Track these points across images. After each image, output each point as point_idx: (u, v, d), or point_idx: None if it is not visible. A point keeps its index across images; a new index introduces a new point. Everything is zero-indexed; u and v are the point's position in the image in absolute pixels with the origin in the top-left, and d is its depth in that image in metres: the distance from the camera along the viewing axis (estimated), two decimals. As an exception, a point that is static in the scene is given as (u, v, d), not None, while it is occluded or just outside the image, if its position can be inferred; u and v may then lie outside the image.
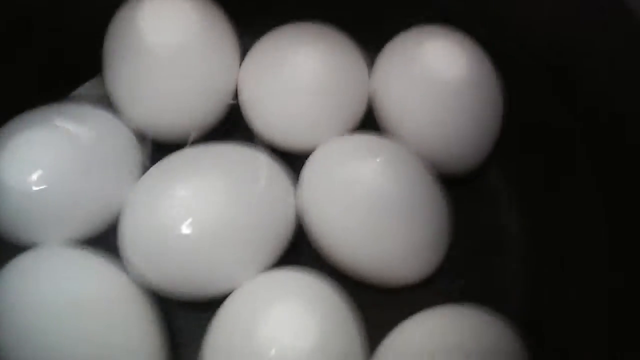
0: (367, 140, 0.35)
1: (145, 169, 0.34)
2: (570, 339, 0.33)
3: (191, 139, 0.36)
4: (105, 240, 0.33)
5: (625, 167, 0.33)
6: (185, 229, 0.31)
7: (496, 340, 0.30)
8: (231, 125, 0.37)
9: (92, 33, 0.36)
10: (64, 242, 0.32)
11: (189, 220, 0.31)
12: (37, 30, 0.36)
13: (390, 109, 0.37)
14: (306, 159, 0.35)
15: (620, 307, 0.32)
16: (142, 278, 0.31)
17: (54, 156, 0.32)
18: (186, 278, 0.31)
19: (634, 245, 0.32)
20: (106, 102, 0.36)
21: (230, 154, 0.34)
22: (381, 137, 0.36)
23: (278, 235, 0.33)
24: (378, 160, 0.34)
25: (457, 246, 0.35)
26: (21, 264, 0.31)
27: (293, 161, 0.35)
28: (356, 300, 0.31)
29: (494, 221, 0.38)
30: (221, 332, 0.30)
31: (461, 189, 0.37)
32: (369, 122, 0.38)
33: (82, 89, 0.38)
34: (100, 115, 0.35)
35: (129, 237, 0.32)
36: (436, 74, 0.36)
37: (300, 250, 0.34)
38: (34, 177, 0.31)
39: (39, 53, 0.36)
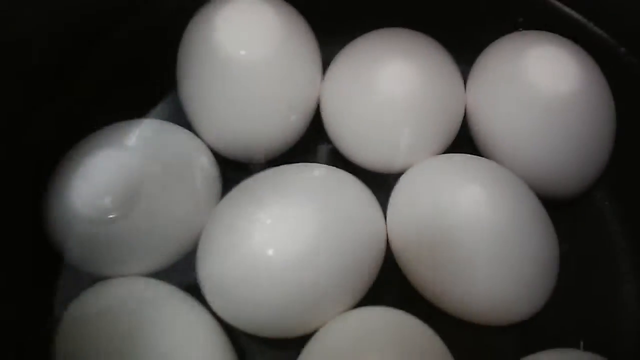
0: (464, 160, 0.32)
1: (224, 191, 0.32)
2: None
3: (271, 157, 0.33)
4: (183, 270, 0.30)
5: None
6: (270, 261, 0.28)
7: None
8: (313, 143, 0.35)
9: (166, 42, 0.34)
10: (141, 272, 0.30)
11: (274, 250, 0.28)
12: (113, 39, 0.34)
13: (488, 127, 0.33)
14: (395, 180, 0.32)
15: None
16: (221, 312, 0.29)
17: (128, 180, 0.29)
18: (269, 315, 0.29)
19: None
20: (181, 118, 0.34)
21: (315, 176, 0.31)
22: (479, 157, 0.33)
23: (368, 265, 0.30)
24: (476, 180, 0.30)
25: (564, 278, 0.31)
26: (93, 296, 0.29)
27: (381, 183, 0.33)
28: (451, 341, 0.28)
29: (601, 248, 0.34)
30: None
31: (565, 213, 0.33)
32: (463, 141, 0.34)
33: (157, 107, 0.35)
34: (176, 133, 0.33)
35: (207, 268, 0.30)
36: (540, 87, 0.32)
37: (390, 284, 0.31)
38: (108, 204, 0.29)
39: (111, 66, 0.34)
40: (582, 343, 0.31)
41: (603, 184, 0.34)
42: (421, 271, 0.30)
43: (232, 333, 0.30)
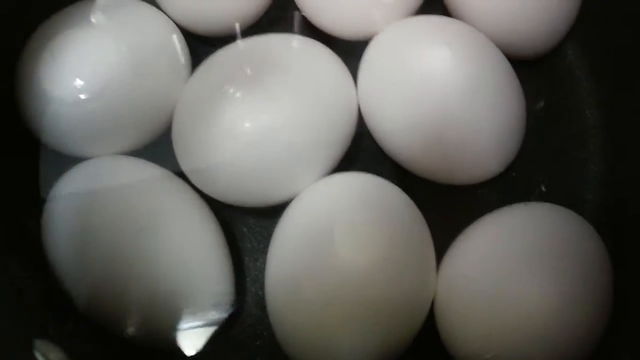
0: (432, 21, 0.32)
1: (192, 65, 0.32)
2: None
3: (238, 29, 0.33)
4: (161, 147, 0.31)
5: None
6: (244, 132, 0.29)
7: (574, 237, 0.28)
8: (282, 12, 0.34)
9: None
10: (119, 151, 0.31)
11: (248, 122, 0.29)
12: None
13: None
14: (365, 47, 0.32)
15: None
16: (200, 185, 0.30)
17: (98, 59, 0.29)
18: (245, 184, 0.30)
19: None
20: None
21: (285, 47, 0.31)
22: (447, 19, 0.32)
23: (342, 132, 0.31)
24: (445, 43, 0.30)
25: (532, 136, 0.32)
26: (77, 175, 0.30)
27: (351, 49, 0.32)
28: (422, 200, 0.30)
29: (571, 107, 0.34)
30: (284, 239, 0.29)
31: (535, 69, 0.34)
32: (434, 4, 0.34)
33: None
34: (142, 9, 0.32)
35: (181, 143, 0.30)
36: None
37: (361, 148, 0.32)
38: (80, 84, 0.29)
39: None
40: (544, 194, 0.32)
41: (572, 39, 0.34)
42: (392, 135, 0.31)
43: (213, 204, 0.31)
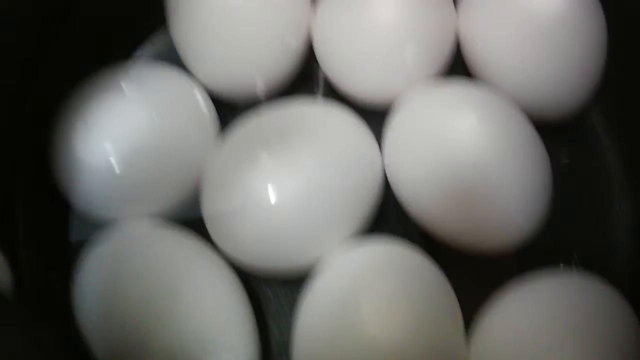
0: (457, 88, 0.32)
1: (221, 130, 0.33)
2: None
3: (266, 95, 0.34)
4: (188, 211, 0.31)
5: None
6: (271, 198, 0.29)
7: (605, 308, 0.28)
8: (307, 77, 0.35)
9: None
10: (145, 216, 0.31)
11: (275, 188, 0.29)
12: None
13: (481, 50, 0.34)
14: (390, 111, 0.33)
15: None
16: (227, 251, 0.30)
17: (128, 125, 0.30)
18: (271, 250, 0.30)
19: None
20: (175, 56, 0.34)
21: (311, 112, 0.32)
22: (471, 83, 0.33)
23: (366, 198, 0.31)
24: (470, 108, 0.31)
25: (558, 202, 0.32)
26: (104, 241, 0.30)
27: (376, 113, 0.33)
28: (447, 267, 0.30)
29: (597, 172, 0.34)
30: (312, 309, 0.29)
31: (560, 134, 0.34)
32: (457, 66, 0.34)
33: (148, 45, 0.35)
34: (172, 77, 0.33)
35: (210, 208, 0.31)
36: (530, 7, 0.32)
37: (387, 213, 0.33)
38: (112, 150, 0.29)
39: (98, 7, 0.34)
40: (572, 266, 0.32)
41: (596, 104, 0.34)
42: (418, 199, 0.31)
43: (237, 270, 0.31)
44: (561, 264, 0.32)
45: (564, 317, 0.27)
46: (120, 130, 0.30)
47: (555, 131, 0.33)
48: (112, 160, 0.29)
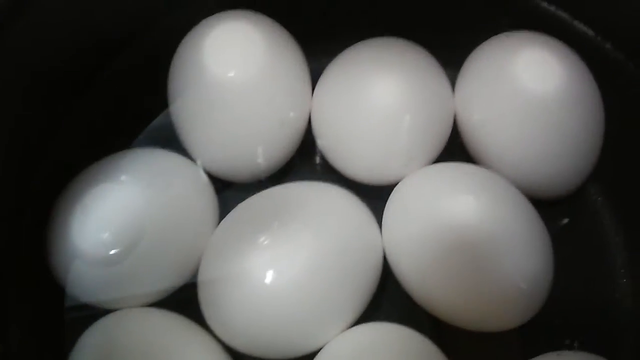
0: (454, 169, 0.33)
1: (220, 211, 0.33)
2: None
3: (264, 172, 0.34)
4: (185, 297, 0.31)
5: None
6: (269, 283, 0.29)
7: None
8: (307, 158, 0.35)
9: (156, 66, 0.34)
10: (144, 303, 0.31)
11: (273, 272, 0.29)
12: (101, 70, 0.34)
13: (478, 131, 0.34)
14: (389, 191, 0.33)
15: None
16: (223, 337, 0.30)
17: (127, 214, 0.30)
18: (269, 336, 0.29)
19: None
20: (175, 140, 0.34)
21: (309, 195, 0.32)
22: (470, 164, 0.33)
23: (367, 279, 0.31)
24: (468, 191, 0.31)
25: (559, 280, 0.31)
26: (102, 328, 0.30)
27: (375, 194, 0.33)
28: (450, 346, 0.29)
29: (597, 249, 0.34)
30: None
31: (559, 211, 0.34)
32: (455, 147, 0.35)
33: (149, 131, 0.36)
34: (171, 160, 0.33)
35: (208, 294, 0.30)
36: (528, 88, 0.32)
37: (387, 293, 0.32)
38: (108, 239, 0.29)
39: (104, 95, 0.34)
40: (576, 344, 0.31)
41: (596, 180, 0.34)
42: (418, 281, 0.31)
43: (236, 356, 0.30)
44: (564, 342, 0.31)
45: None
46: (117, 218, 0.30)
47: (554, 206, 0.33)
48: (109, 248, 0.29)
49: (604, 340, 0.32)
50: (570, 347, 0.31)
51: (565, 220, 0.34)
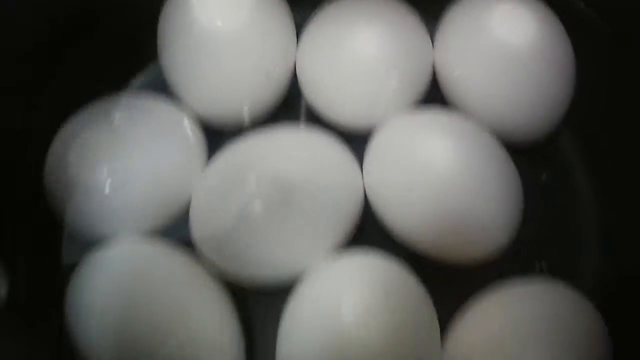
0: (432, 115, 0.34)
1: (208, 156, 0.34)
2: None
3: (250, 121, 0.36)
4: (176, 231, 0.33)
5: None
6: (255, 214, 0.31)
7: (572, 313, 0.29)
8: (292, 104, 0.37)
9: (146, 17, 0.35)
10: (137, 235, 0.32)
11: (259, 204, 0.31)
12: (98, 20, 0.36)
13: (455, 80, 0.36)
14: (370, 137, 0.34)
15: None
16: (214, 266, 0.32)
17: (120, 151, 0.32)
18: (256, 263, 0.31)
19: None
20: (165, 87, 0.36)
21: (294, 137, 0.34)
22: (447, 110, 0.35)
23: (347, 216, 0.33)
24: (445, 133, 0.33)
25: (529, 219, 0.34)
26: (97, 259, 0.31)
27: (358, 140, 0.35)
28: (425, 278, 0.31)
29: (566, 190, 0.36)
30: (295, 318, 0.30)
31: (531, 155, 0.36)
32: (433, 94, 0.36)
33: (140, 77, 0.37)
34: (161, 106, 0.35)
35: (198, 226, 0.32)
36: (503, 40, 0.34)
37: (367, 229, 0.34)
38: (103, 174, 0.31)
39: (97, 43, 0.36)
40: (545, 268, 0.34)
41: (566, 127, 0.36)
42: (396, 216, 0.33)
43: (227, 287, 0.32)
44: (533, 272, 0.34)
45: (530, 323, 0.29)
46: (112, 155, 0.32)
47: (527, 152, 0.35)
48: (104, 182, 0.31)
49: (569, 271, 0.34)
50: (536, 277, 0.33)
51: (538, 164, 0.36)
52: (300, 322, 0.30)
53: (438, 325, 0.30)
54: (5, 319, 0.27)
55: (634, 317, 0.32)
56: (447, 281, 0.32)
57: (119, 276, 0.30)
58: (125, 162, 0.31)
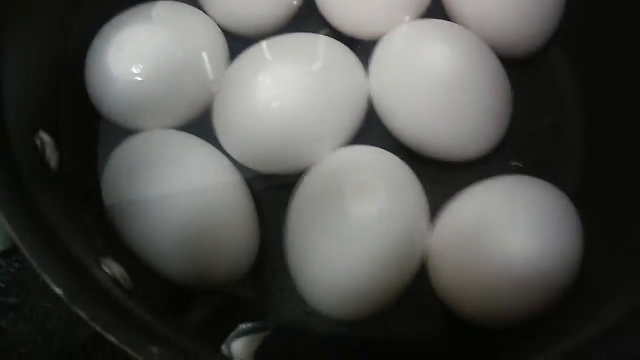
0: (434, 25, 0.38)
1: (231, 59, 0.38)
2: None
3: (269, 30, 0.39)
4: (202, 125, 0.37)
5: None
6: (272, 111, 0.35)
7: (550, 202, 0.33)
8: (306, 16, 0.40)
9: None
10: (166, 127, 0.37)
11: (274, 103, 0.35)
12: None
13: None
14: (375, 45, 0.38)
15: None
16: (234, 154, 0.36)
17: (154, 50, 0.36)
18: (273, 153, 0.36)
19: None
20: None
21: (307, 44, 0.37)
22: (448, 22, 0.38)
23: (352, 115, 0.36)
24: (444, 43, 0.36)
25: (518, 126, 0.38)
26: (130, 147, 0.35)
27: (365, 47, 0.38)
28: (422, 172, 0.35)
29: (555, 99, 0.39)
30: (302, 198, 0.34)
31: (523, 69, 0.39)
32: (435, 9, 0.40)
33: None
34: (189, 12, 0.38)
35: (222, 119, 0.36)
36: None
37: (371, 130, 0.38)
38: (139, 68, 0.35)
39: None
40: (521, 165, 0.37)
41: (558, 39, 0.39)
42: (398, 118, 0.37)
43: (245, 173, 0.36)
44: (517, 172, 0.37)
45: (512, 204, 0.33)
46: (145, 53, 0.35)
47: (520, 64, 0.39)
48: (139, 78, 0.35)
49: (549, 171, 0.37)
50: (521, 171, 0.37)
51: (529, 76, 0.39)
52: (307, 199, 0.34)
53: (427, 206, 0.34)
54: (56, 183, 0.32)
55: (607, 215, 0.35)
56: (441, 176, 0.37)
57: (148, 160, 0.34)
58: (156, 60, 0.35)
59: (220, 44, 0.38)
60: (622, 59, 0.38)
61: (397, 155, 0.36)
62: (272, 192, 0.37)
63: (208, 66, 0.37)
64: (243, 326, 0.34)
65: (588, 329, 0.27)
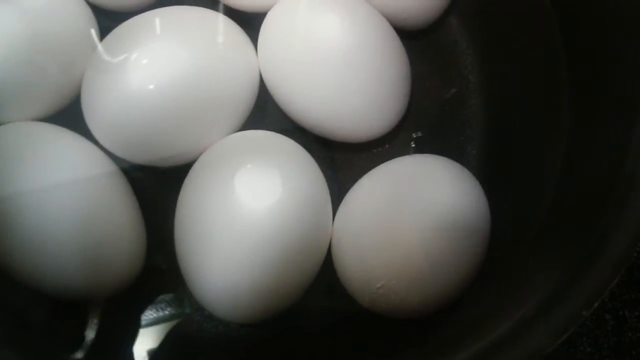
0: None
1: (100, 37, 0.34)
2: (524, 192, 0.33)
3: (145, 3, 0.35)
4: (70, 114, 0.33)
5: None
6: (149, 95, 0.31)
7: (453, 180, 0.31)
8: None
9: None
10: (28, 118, 0.32)
11: (152, 85, 0.31)
12: None
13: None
14: (262, 18, 0.35)
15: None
16: (109, 146, 0.32)
17: (8, 32, 0.31)
18: (152, 144, 0.32)
19: (594, 89, 0.32)
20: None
21: (188, 17, 0.33)
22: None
23: (242, 97, 0.33)
24: (335, 13, 0.33)
25: (418, 99, 0.36)
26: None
27: (252, 21, 0.35)
28: (320, 156, 0.33)
29: (454, 71, 0.38)
30: (192, 190, 0.31)
31: (421, 41, 0.37)
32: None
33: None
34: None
35: (91, 108, 0.32)
36: None
37: (265, 112, 0.35)
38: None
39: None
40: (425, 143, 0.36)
41: (454, 10, 0.38)
42: (291, 97, 0.34)
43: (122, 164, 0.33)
44: (418, 151, 0.36)
45: (413, 186, 0.31)
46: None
47: (418, 36, 0.37)
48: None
49: (453, 148, 0.36)
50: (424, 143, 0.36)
51: (427, 48, 0.38)
52: (196, 192, 0.31)
53: (328, 192, 0.32)
54: None
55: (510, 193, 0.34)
56: (342, 160, 0.34)
57: (10, 157, 0.30)
58: (12, 42, 0.30)
59: (86, 20, 0.34)
60: (518, 29, 0.36)
61: (293, 137, 0.33)
62: (159, 179, 0.34)
63: (72, 45, 0.33)
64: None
65: (498, 320, 0.25)
